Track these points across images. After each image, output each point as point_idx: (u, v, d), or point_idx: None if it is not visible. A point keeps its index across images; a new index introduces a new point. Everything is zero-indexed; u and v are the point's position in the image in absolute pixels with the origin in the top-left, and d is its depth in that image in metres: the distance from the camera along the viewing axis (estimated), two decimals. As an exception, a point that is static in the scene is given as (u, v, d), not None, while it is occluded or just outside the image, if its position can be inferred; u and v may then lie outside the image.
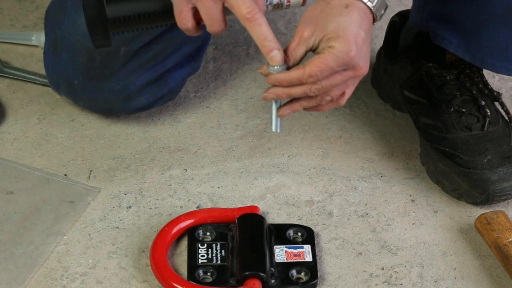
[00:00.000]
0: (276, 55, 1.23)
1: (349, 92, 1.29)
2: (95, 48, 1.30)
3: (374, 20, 1.28)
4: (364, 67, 1.26)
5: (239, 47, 1.74)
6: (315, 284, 1.32)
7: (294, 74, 1.24)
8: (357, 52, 1.24)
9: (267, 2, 1.29)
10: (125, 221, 1.40)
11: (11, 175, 1.46)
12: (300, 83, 1.25)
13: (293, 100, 1.28)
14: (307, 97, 1.28)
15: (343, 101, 1.29)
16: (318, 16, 1.26)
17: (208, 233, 1.37)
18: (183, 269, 1.33)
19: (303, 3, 1.33)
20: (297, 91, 1.27)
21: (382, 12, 1.28)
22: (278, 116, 1.29)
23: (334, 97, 1.28)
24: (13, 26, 1.75)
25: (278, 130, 1.30)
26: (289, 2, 1.33)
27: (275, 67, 1.25)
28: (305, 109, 1.30)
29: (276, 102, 1.28)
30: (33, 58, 1.66)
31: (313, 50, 1.26)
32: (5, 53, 1.68)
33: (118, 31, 1.27)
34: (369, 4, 1.26)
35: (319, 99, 1.28)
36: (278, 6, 1.32)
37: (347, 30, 1.24)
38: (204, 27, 1.35)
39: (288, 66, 1.26)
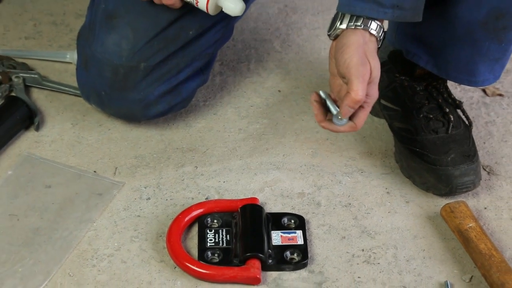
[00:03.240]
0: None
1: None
2: None
3: (378, 43, 1.31)
4: (374, 75, 1.29)
5: (241, 63, 1.74)
6: (306, 264, 1.33)
7: (348, 128, 1.32)
8: (365, 77, 1.27)
9: None
10: (145, 211, 1.41)
11: (49, 172, 1.46)
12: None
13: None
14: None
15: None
16: (360, 58, 1.27)
17: (215, 221, 1.38)
18: (194, 251, 1.34)
19: (207, 11, 1.39)
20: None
21: (382, 37, 1.31)
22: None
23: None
24: (50, 46, 1.75)
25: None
26: (197, 4, 1.39)
27: (340, 121, 1.31)
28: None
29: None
30: (67, 73, 1.66)
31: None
32: (44, 68, 1.67)
33: None
34: (376, 35, 1.29)
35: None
36: (190, 3, 1.40)
37: (362, 68, 1.26)
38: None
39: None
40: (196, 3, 1.39)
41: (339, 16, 1.29)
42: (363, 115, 1.31)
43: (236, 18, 1.55)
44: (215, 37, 1.52)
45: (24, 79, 1.62)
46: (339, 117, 1.30)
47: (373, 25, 1.27)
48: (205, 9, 1.39)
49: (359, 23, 1.27)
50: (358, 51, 1.25)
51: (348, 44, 1.26)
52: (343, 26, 1.28)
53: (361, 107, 1.29)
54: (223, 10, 1.38)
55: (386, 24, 1.51)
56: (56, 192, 1.42)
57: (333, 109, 1.31)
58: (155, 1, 1.40)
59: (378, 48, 1.31)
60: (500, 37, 1.39)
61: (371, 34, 1.27)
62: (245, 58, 1.75)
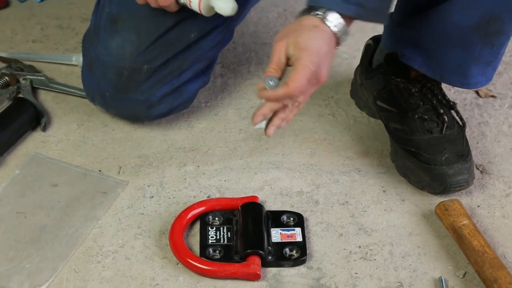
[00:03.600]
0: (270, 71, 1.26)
1: (308, 96, 1.29)
2: None
3: (338, 43, 1.28)
4: (325, 74, 1.26)
5: (242, 65, 1.74)
6: (305, 260, 1.33)
7: (282, 91, 1.25)
8: (319, 61, 1.24)
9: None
10: (149, 209, 1.41)
11: (56, 171, 1.46)
12: (286, 98, 1.26)
13: (272, 117, 1.29)
14: (282, 109, 1.29)
15: (303, 104, 1.30)
16: (291, 32, 1.26)
17: (216, 218, 1.38)
18: (196, 248, 1.34)
19: (200, 11, 1.38)
20: (276, 106, 1.27)
21: (344, 37, 1.28)
22: (267, 134, 1.30)
23: (302, 103, 1.29)
24: (57, 49, 1.75)
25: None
26: (190, 5, 1.38)
27: (271, 82, 1.26)
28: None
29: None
30: (73, 75, 1.66)
31: (289, 59, 1.26)
32: (51, 71, 1.67)
33: None
34: (334, 29, 1.26)
35: (292, 108, 1.29)
36: (184, 4, 1.39)
37: (312, 43, 1.25)
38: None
39: (278, 78, 1.26)
40: (190, 3, 1.38)
41: (303, 11, 1.28)
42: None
43: (236, 21, 1.55)
44: (216, 40, 1.51)
45: (31, 81, 1.62)
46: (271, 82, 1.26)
47: (331, 17, 1.25)
48: (198, 10, 1.38)
49: (319, 13, 1.26)
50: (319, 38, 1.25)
51: (306, 27, 1.26)
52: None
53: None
54: (215, 10, 1.38)
55: (381, 28, 1.51)
56: (62, 190, 1.43)
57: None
58: (152, 4, 1.39)
59: (337, 45, 1.29)
60: (492, 41, 1.39)
61: (326, 24, 1.25)
62: (246, 61, 1.75)
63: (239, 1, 1.43)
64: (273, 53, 1.26)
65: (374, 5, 1.28)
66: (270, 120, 1.30)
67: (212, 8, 1.38)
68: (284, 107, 1.29)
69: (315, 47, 1.24)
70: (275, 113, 1.29)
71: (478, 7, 1.34)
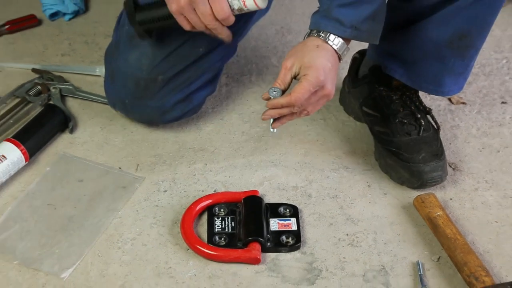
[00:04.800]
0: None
1: (318, 107, 1.31)
2: (138, 36, 1.39)
3: (339, 59, 1.30)
4: (330, 88, 1.28)
5: (244, 76, 1.74)
6: (299, 246, 1.33)
7: (284, 100, 1.27)
8: (325, 76, 1.26)
9: (231, 9, 1.31)
10: (163, 201, 1.41)
11: (81, 168, 1.46)
12: (288, 106, 1.27)
13: (281, 116, 1.31)
14: (291, 113, 1.30)
15: (313, 112, 1.31)
16: (297, 53, 1.28)
17: (222, 210, 1.37)
18: (204, 236, 1.34)
19: (257, 7, 1.32)
20: (284, 111, 1.29)
21: (345, 53, 1.30)
22: (272, 127, 1.32)
23: (310, 112, 1.30)
24: (82, 62, 1.75)
25: (275, 131, 1.33)
26: (246, 6, 1.32)
27: (274, 92, 1.27)
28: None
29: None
30: (96, 85, 1.66)
31: (295, 76, 1.28)
32: (77, 81, 1.67)
33: (145, 27, 1.38)
34: (334, 46, 1.28)
35: (299, 114, 1.31)
36: (240, 10, 1.33)
37: (317, 61, 1.26)
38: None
39: (281, 90, 1.28)
40: (244, 5, 1.31)
41: (308, 34, 1.31)
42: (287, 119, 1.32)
43: (239, 37, 1.55)
44: (221, 54, 1.52)
45: (60, 89, 1.62)
46: (274, 92, 1.28)
47: (332, 37, 1.27)
48: (255, 7, 1.32)
49: (322, 35, 1.28)
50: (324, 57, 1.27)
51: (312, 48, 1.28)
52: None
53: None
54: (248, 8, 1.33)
55: (366, 43, 1.51)
56: (87, 185, 1.43)
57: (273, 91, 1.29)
58: (200, 28, 1.33)
59: (339, 60, 1.30)
60: (463, 54, 1.39)
61: (327, 43, 1.28)
62: (248, 72, 1.75)
63: (242, 20, 1.44)
64: (281, 70, 1.29)
65: (367, 28, 1.29)
66: (277, 119, 1.32)
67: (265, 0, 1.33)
68: (292, 113, 1.31)
69: (320, 65, 1.26)
70: (283, 116, 1.32)
71: (450, 24, 1.35)
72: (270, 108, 1.30)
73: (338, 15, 1.27)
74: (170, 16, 1.33)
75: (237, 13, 1.33)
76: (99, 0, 1.92)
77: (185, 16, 1.31)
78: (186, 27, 1.33)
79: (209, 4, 1.29)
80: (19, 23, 1.82)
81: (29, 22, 1.83)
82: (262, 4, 1.32)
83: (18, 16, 1.83)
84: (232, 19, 1.32)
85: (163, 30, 1.41)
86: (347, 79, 1.62)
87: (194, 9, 1.29)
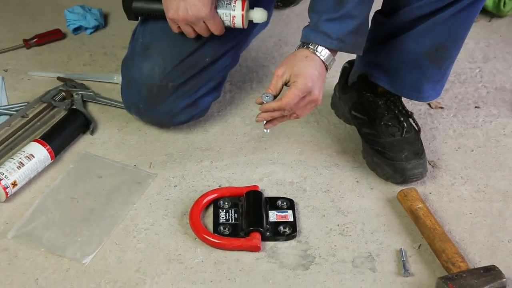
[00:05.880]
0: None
1: (306, 112, 1.31)
2: (128, 19, 1.43)
3: (326, 68, 1.30)
4: (317, 94, 1.28)
5: (245, 83, 1.73)
6: (295, 235, 1.33)
7: (275, 104, 1.28)
8: (312, 83, 1.26)
9: (224, 24, 1.37)
10: (173, 195, 1.40)
11: (101, 166, 1.46)
12: (279, 110, 1.27)
13: (274, 118, 1.32)
14: (281, 116, 1.31)
15: (302, 116, 1.32)
16: (288, 62, 1.29)
17: (226, 203, 1.37)
18: (210, 226, 1.34)
19: (243, 26, 1.38)
20: (276, 114, 1.30)
21: (332, 63, 1.31)
22: (265, 128, 1.33)
23: (299, 116, 1.31)
24: (102, 71, 1.74)
25: (268, 131, 1.35)
26: (234, 25, 1.38)
27: (267, 97, 1.28)
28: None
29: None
30: (114, 91, 1.65)
31: (286, 83, 1.29)
32: (97, 88, 1.67)
33: (137, 14, 1.43)
34: (321, 57, 1.28)
35: (289, 117, 1.32)
36: (228, 27, 1.39)
37: (305, 70, 1.26)
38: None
39: (273, 95, 1.29)
40: (233, 25, 1.38)
41: (299, 46, 1.31)
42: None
43: (241, 48, 1.55)
44: (225, 63, 1.51)
45: (82, 95, 1.62)
46: (266, 97, 1.30)
47: (320, 49, 1.28)
48: (241, 26, 1.39)
49: (311, 47, 1.29)
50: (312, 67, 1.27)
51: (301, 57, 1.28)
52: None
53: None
54: (254, 21, 1.40)
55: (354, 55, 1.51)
56: (106, 181, 1.42)
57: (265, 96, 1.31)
58: (189, 35, 1.39)
59: (326, 69, 1.31)
60: (440, 64, 1.39)
61: (315, 54, 1.28)
62: (249, 79, 1.75)
63: (243, 34, 1.45)
64: (273, 77, 1.29)
65: (351, 41, 1.29)
66: (270, 121, 1.33)
67: (249, 20, 1.39)
68: (283, 116, 1.31)
69: (308, 73, 1.26)
70: (275, 118, 1.32)
71: (428, 38, 1.35)
72: (263, 112, 1.31)
73: (326, 29, 1.27)
74: (162, 14, 1.38)
75: (226, 26, 1.39)
76: (117, 17, 1.92)
77: (177, 24, 1.36)
78: (175, 30, 1.39)
79: (205, 23, 1.35)
80: (46, 37, 1.82)
81: (54, 35, 1.83)
82: (246, 25, 1.39)
83: (45, 31, 1.83)
84: (222, 31, 1.39)
85: (151, 18, 1.45)
86: (338, 86, 1.61)
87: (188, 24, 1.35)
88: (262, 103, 1.30)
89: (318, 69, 1.28)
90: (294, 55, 1.29)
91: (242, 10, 1.36)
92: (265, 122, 1.33)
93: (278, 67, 1.29)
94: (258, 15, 1.39)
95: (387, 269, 1.28)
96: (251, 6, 1.40)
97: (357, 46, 1.31)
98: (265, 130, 1.34)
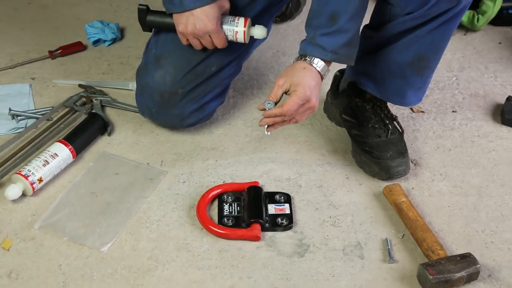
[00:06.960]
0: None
1: (304, 117, 1.31)
2: (143, 31, 1.44)
3: (322, 78, 1.30)
4: (315, 101, 1.29)
5: (247, 90, 1.72)
6: (291, 226, 1.32)
7: (277, 110, 1.28)
8: (310, 92, 1.27)
9: (228, 38, 1.38)
10: (182, 190, 1.40)
11: (117, 164, 1.45)
12: (280, 116, 1.27)
13: (275, 123, 1.32)
14: (282, 121, 1.30)
15: (300, 121, 1.32)
16: (288, 73, 1.29)
17: (229, 197, 1.37)
18: (215, 218, 1.33)
19: (245, 41, 1.39)
20: (277, 119, 1.30)
21: (326, 73, 1.31)
22: (267, 131, 1.33)
23: (298, 121, 1.30)
24: (119, 78, 1.73)
25: (269, 134, 1.35)
26: (237, 40, 1.39)
27: (269, 104, 1.29)
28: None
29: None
30: (129, 97, 1.64)
31: (286, 92, 1.28)
32: (114, 94, 1.66)
33: (150, 27, 1.43)
34: (317, 68, 1.28)
35: (289, 122, 1.31)
36: (231, 41, 1.39)
37: (304, 80, 1.26)
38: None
39: (274, 102, 1.29)
40: (236, 39, 1.39)
41: (297, 58, 1.31)
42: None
43: (244, 59, 1.54)
44: (229, 72, 1.51)
45: (101, 101, 1.62)
46: (268, 103, 1.30)
47: (316, 61, 1.28)
48: (242, 41, 1.39)
49: (308, 59, 1.29)
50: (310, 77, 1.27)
51: (299, 69, 1.28)
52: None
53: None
54: (255, 37, 1.40)
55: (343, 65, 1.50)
56: (122, 177, 1.42)
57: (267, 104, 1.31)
58: (196, 47, 1.39)
59: (322, 78, 1.30)
60: (421, 73, 1.39)
61: (312, 66, 1.28)
62: (250, 86, 1.74)
63: (245, 46, 1.44)
64: (274, 86, 1.29)
65: (344, 53, 1.29)
66: (271, 125, 1.33)
67: (250, 36, 1.40)
68: (283, 121, 1.31)
69: (306, 83, 1.26)
70: (277, 123, 1.32)
71: (411, 49, 1.35)
72: (266, 117, 1.31)
73: (321, 42, 1.27)
74: (173, 28, 1.38)
75: (228, 40, 1.40)
76: (132, 30, 1.91)
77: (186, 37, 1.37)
78: (184, 43, 1.39)
79: (210, 37, 1.35)
80: (68, 48, 1.82)
81: (76, 47, 1.83)
82: (247, 41, 1.39)
83: (68, 43, 1.83)
84: (225, 45, 1.39)
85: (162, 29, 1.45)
86: (330, 92, 1.61)
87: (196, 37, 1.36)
88: (264, 110, 1.30)
89: (315, 79, 1.28)
90: (293, 67, 1.29)
91: (244, 27, 1.37)
92: (267, 126, 1.33)
93: (279, 78, 1.29)
94: (259, 31, 1.39)
95: (374, 257, 1.27)
96: (253, 23, 1.39)
97: (350, 57, 1.31)
98: (266, 133, 1.34)
